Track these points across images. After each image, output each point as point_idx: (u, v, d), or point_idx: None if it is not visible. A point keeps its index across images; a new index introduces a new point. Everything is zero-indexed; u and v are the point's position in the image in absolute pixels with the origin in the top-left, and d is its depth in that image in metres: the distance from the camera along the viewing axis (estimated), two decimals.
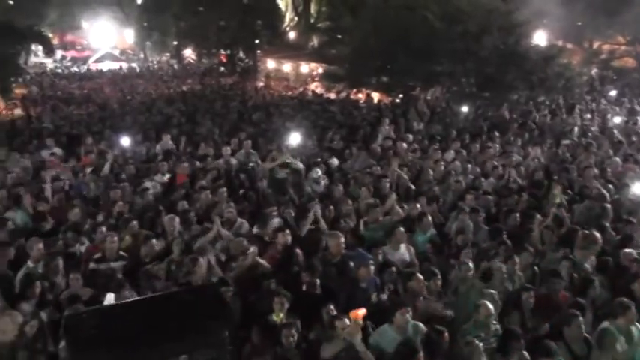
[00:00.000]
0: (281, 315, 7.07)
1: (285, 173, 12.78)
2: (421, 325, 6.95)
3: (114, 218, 10.34)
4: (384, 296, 7.92)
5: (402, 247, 9.24)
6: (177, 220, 9.76)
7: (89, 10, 57.01)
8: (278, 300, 7.16)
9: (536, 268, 8.85)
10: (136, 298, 7.30)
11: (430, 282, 7.90)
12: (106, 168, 13.08)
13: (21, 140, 17.21)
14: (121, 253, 9.02)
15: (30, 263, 8.56)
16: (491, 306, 7.08)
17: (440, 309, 7.59)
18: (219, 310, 4.67)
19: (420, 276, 7.83)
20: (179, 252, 8.83)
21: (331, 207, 10.68)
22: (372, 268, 8.20)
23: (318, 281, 7.89)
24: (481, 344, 6.46)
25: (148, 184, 12.30)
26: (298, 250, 8.76)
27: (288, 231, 9.22)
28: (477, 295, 7.67)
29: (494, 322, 7.15)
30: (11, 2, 29.26)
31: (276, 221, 9.99)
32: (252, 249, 8.48)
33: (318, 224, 9.85)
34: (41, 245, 8.80)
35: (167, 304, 4.98)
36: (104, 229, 9.56)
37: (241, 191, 12.12)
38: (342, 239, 8.78)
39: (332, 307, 7.16)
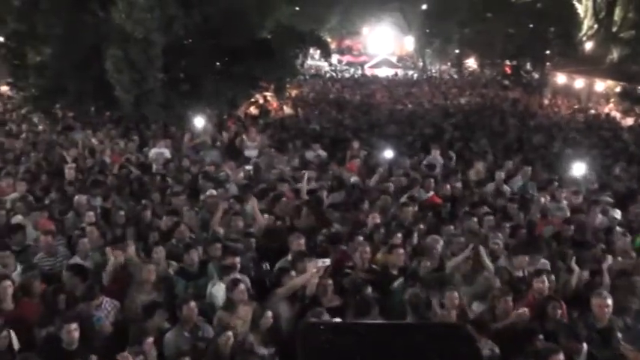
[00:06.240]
0: None
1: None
2: None
3: (368, 229, 10.43)
4: None
5: None
6: (440, 241, 9.56)
7: (370, 17, 60.07)
8: None
9: None
10: (379, 321, 7.30)
11: None
12: (374, 178, 13.38)
13: (287, 139, 18.51)
14: (373, 266, 9.11)
15: (289, 257, 9.09)
16: None
17: None
18: (470, 354, 4.37)
19: None
20: (424, 273, 8.77)
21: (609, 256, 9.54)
22: None
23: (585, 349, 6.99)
24: None
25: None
26: (556, 305, 7.84)
27: (546, 277, 8.34)
28: None
29: None
30: (297, 8, 32.09)
31: (542, 262, 9.29)
32: (522, 311, 7.71)
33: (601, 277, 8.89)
34: (301, 242, 9.26)
35: (411, 334, 4.86)
36: (361, 238, 9.64)
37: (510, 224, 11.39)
38: (609, 301, 7.58)
39: None
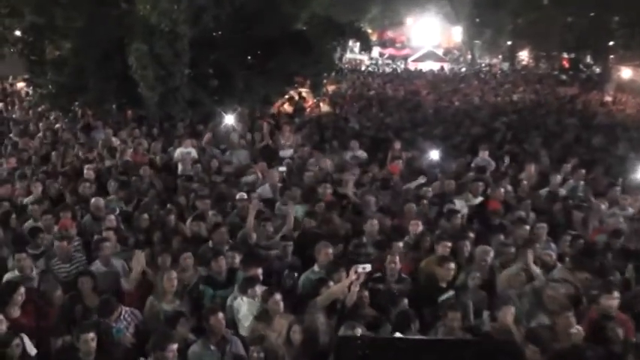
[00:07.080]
0: None
1: None
2: None
3: (411, 238, 10.41)
4: None
5: None
6: (491, 252, 9.53)
7: (414, 6, 59.93)
8: None
9: None
10: (420, 337, 7.33)
11: None
12: (413, 184, 13.28)
13: (324, 138, 18.65)
14: (403, 275, 9.17)
15: (315, 268, 9.16)
16: None
17: None
18: None
19: None
20: (474, 286, 8.83)
21: None
22: None
23: None
24: None
25: (457, 203, 12.22)
26: (614, 326, 7.63)
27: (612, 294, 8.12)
28: None
29: None
30: None
31: None
32: (577, 331, 7.49)
33: None
34: (330, 250, 9.28)
35: (455, 351, 4.85)
36: (400, 244, 9.70)
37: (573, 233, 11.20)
38: None
39: None
